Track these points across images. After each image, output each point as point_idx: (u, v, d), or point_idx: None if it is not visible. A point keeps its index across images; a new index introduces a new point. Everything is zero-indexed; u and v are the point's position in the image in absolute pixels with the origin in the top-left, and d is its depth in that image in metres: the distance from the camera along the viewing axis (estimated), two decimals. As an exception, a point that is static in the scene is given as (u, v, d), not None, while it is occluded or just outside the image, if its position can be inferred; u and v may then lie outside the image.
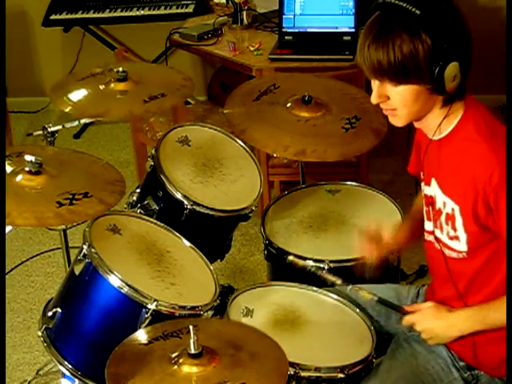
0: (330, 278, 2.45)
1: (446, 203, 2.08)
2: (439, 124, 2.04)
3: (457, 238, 2.08)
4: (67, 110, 2.75)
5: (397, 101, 2.00)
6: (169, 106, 2.89)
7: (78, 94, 2.79)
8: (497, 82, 4.05)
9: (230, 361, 1.99)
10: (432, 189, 2.13)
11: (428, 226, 2.19)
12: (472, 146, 2.00)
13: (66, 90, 2.82)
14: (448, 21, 1.93)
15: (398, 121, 2.06)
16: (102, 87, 2.81)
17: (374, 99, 2.04)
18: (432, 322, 2.14)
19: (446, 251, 2.13)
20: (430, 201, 2.15)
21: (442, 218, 2.10)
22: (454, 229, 2.07)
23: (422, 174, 2.20)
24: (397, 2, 1.93)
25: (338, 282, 2.41)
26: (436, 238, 2.16)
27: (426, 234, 2.22)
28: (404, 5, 1.91)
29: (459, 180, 2.03)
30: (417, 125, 2.12)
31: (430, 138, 2.10)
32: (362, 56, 1.98)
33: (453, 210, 2.06)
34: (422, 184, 2.19)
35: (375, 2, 1.98)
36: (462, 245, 2.08)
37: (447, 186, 2.08)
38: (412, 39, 1.90)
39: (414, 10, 1.90)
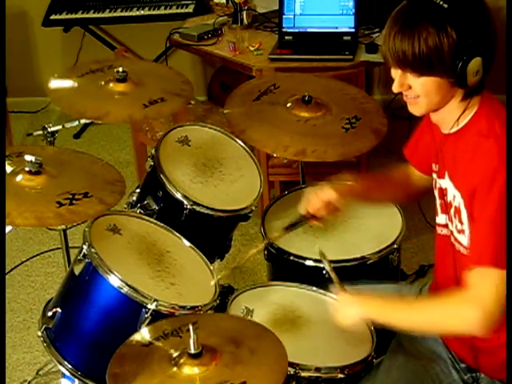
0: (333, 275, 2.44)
1: (455, 196, 2.09)
2: (457, 118, 2.05)
3: (463, 231, 2.08)
4: (66, 110, 2.76)
5: (418, 90, 2.01)
6: (168, 111, 2.89)
7: (77, 94, 2.79)
8: (497, 81, 4.05)
9: (230, 358, 1.99)
10: (445, 182, 2.13)
11: (441, 219, 2.19)
12: (482, 141, 2.01)
13: (66, 88, 2.83)
14: (474, 16, 1.95)
15: (418, 109, 2.06)
16: (101, 83, 2.81)
17: (395, 88, 2.04)
18: (350, 299, 2.17)
19: (457, 245, 2.13)
20: (443, 193, 2.15)
21: (452, 210, 2.11)
22: (461, 222, 2.08)
23: (436, 166, 2.20)
24: None
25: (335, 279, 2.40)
26: (450, 232, 2.15)
27: (438, 228, 2.22)
28: None
29: (466, 174, 2.03)
30: (433, 116, 2.12)
31: (445, 132, 2.10)
32: (386, 45, 1.98)
33: (459, 203, 2.07)
34: (436, 176, 2.19)
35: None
36: (466, 239, 2.08)
37: (457, 179, 2.08)
38: (438, 32, 1.91)
39: (441, 3, 1.92)
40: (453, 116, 2.06)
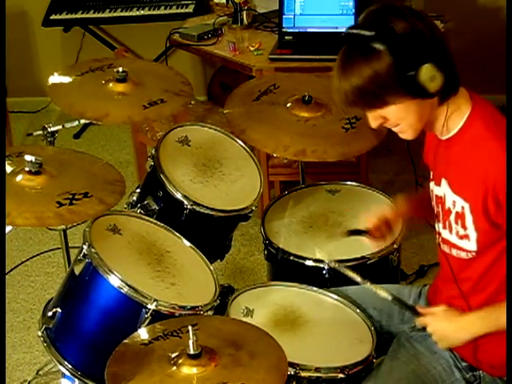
0: (350, 274, 2.43)
1: (455, 202, 2.08)
2: (443, 123, 2.04)
3: (467, 236, 2.07)
4: (66, 110, 2.76)
5: (394, 118, 2.00)
6: (168, 112, 2.89)
7: (77, 94, 2.79)
8: (497, 82, 4.05)
9: (229, 360, 1.99)
10: (442, 189, 2.13)
11: (437, 226, 2.19)
12: (482, 143, 2.00)
13: (65, 88, 2.83)
14: (403, 31, 1.89)
15: (408, 135, 2.05)
16: (101, 82, 2.81)
17: (373, 125, 2.03)
18: (443, 324, 2.13)
19: (455, 251, 2.13)
20: (440, 201, 2.15)
21: (452, 217, 2.10)
22: (464, 227, 2.07)
23: (431, 174, 2.20)
24: (350, 31, 1.93)
25: (358, 279, 2.38)
26: (443, 239, 2.16)
27: (436, 236, 2.22)
28: (356, 31, 1.91)
29: (469, 178, 2.02)
30: (427, 130, 2.11)
31: (440, 138, 2.10)
32: (336, 93, 1.97)
33: (462, 208, 2.06)
34: (432, 184, 2.19)
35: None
36: (471, 244, 2.07)
37: (457, 184, 2.07)
38: (368, 61, 1.89)
39: (365, 32, 1.89)
40: (439, 122, 2.05)
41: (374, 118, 2.02)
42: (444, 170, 2.11)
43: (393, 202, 2.38)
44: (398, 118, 1.99)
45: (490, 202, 1.99)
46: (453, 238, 2.12)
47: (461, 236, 2.09)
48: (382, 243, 2.47)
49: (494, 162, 1.97)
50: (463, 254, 2.11)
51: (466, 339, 2.11)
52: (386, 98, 1.94)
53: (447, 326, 2.12)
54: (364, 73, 1.90)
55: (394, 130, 2.06)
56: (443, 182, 2.12)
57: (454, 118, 2.04)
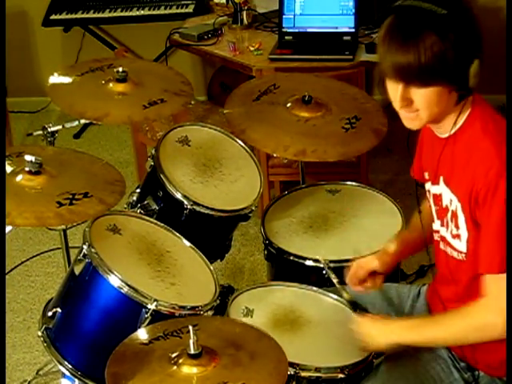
0: (332, 275, 2.46)
1: (452, 200, 2.08)
2: (455, 121, 2.04)
3: (458, 236, 2.08)
4: (66, 110, 2.76)
5: (421, 103, 1.98)
6: (168, 112, 2.89)
7: (77, 94, 2.80)
8: (497, 82, 4.05)
9: (229, 361, 1.99)
10: (440, 187, 2.13)
11: (435, 225, 2.19)
12: (477, 143, 2.00)
13: (65, 88, 2.83)
14: (470, 19, 1.93)
15: (418, 123, 2.04)
16: (101, 82, 2.81)
17: (398, 104, 2.00)
18: (373, 323, 2.17)
19: (449, 250, 2.13)
20: (438, 199, 2.15)
21: (448, 215, 2.11)
22: (457, 226, 2.08)
23: (427, 174, 2.19)
24: (420, 3, 1.92)
25: (335, 280, 2.42)
26: (441, 237, 2.16)
27: (434, 234, 2.22)
28: (428, 6, 1.91)
29: (462, 176, 2.03)
30: (432, 126, 2.11)
31: (443, 136, 2.10)
32: (388, 61, 1.95)
33: (456, 206, 2.06)
34: (429, 184, 2.19)
35: (392, 4, 1.97)
36: (462, 244, 2.08)
37: (453, 182, 2.08)
38: (441, 40, 1.89)
39: (439, 10, 1.90)
40: (450, 120, 2.05)
41: (402, 98, 1.98)
42: (441, 168, 2.11)
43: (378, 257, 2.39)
44: (426, 104, 1.98)
45: (473, 202, 2.00)
46: (448, 237, 2.13)
47: (453, 235, 2.10)
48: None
49: (483, 161, 1.97)
50: (455, 254, 2.12)
51: (390, 342, 2.13)
52: (437, 78, 1.93)
53: (377, 326, 2.17)
54: (435, 47, 1.89)
55: (409, 115, 2.02)
56: (441, 180, 2.12)
57: (460, 117, 2.04)
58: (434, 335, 2.09)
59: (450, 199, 2.09)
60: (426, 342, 2.13)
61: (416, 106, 2.00)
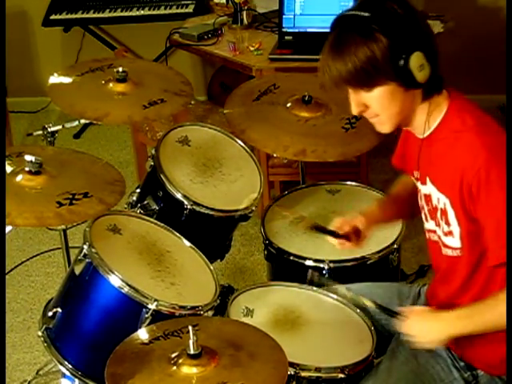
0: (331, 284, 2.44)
1: (439, 199, 2.09)
2: (425, 121, 2.05)
3: (451, 233, 2.08)
4: (66, 110, 2.77)
5: (375, 106, 2.01)
6: (168, 112, 2.89)
7: (77, 94, 2.80)
8: (497, 82, 4.05)
9: (229, 361, 1.99)
10: (427, 187, 2.14)
11: (429, 225, 2.19)
12: (458, 137, 2.01)
13: (65, 88, 2.83)
14: (398, 15, 1.93)
15: (384, 127, 2.06)
16: (101, 82, 2.81)
17: (353, 110, 2.04)
18: (423, 321, 2.11)
19: (443, 249, 2.13)
20: (428, 199, 2.15)
21: (438, 214, 2.11)
22: (448, 223, 2.08)
23: (417, 173, 2.20)
24: (347, 12, 1.96)
25: (340, 288, 2.39)
26: (438, 237, 2.16)
27: (427, 234, 2.22)
28: (353, 12, 1.94)
29: (448, 173, 2.03)
30: (404, 126, 2.12)
31: (420, 137, 2.10)
32: (324, 72, 1.99)
33: (445, 204, 2.07)
34: (419, 184, 2.19)
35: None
36: (456, 241, 2.08)
37: (439, 181, 2.08)
38: (366, 41, 1.91)
39: (362, 13, 1.92)
40: (421, 119, 2.06)
41: (356, 104, 2.03)
42: (427, 168, 2.12)
43: (362, 214, 2.37)
44: (380, 105, 2.00)
45: (465, 194, 2.00)
46: (442, 235, 2.13)
47: (445, 233, 2.10)
48: (346, 247, 2.38)
49: (468, 151, 1.98)
50: (450, 252, 2.12)
51: (443, 338, 2.08)
52: (376, 79, 1.95)
53: (428, 324, 2.10)
54: (361, 52, 1.92)
55: (372, 120, 2.07)
56: (428, 180, 2.13)
57: (434, 116, 2.05)
58: (484, 321, 2.03)
59: (437, 198, 2.10)
60: (477, 330, 2.06)
61: (373, 110, 2.02)
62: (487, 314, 2.03)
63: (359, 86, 1.98)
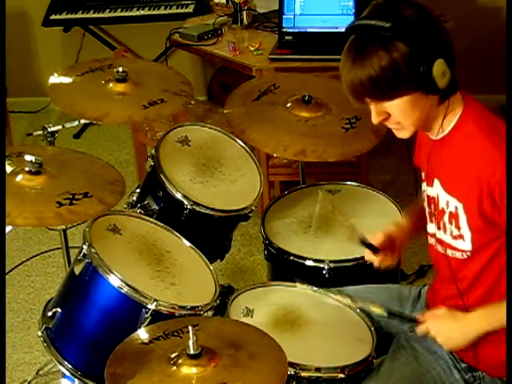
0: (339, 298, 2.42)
1: (449, 202, 2.08)
2: (441, 123, 2.05)
3: (461, 236, 2.08)
4: (66, 110, 2.77)
5: (397, 114, 2.00)
6: (168, 112, 2.89)
7: (77, 94, 2.80)
8: (497, 82, 4.05)
9: (229, 361, 1.99)
10: (434, 189, 2.13)
11: (430, 228, 2.19)
12: (473, 142, 2.00)
13: (65, 88, 2.83)
14: (418, 22, 1.92)
15: (404, 133, 2.06)
16: (101, 82, 2.81)
17: (374, 119, 2.03)
18: (447, 324, 2.11)
19: (449, 251, 2.13)
20: (432, 202, 2.15)
21: (446, 217, 2.10)
22: (458, 227, 2.07)
23: (423, 174, 2.20)
24: (366, 21, 1.94)
25: (345, 301, 2.36)
26: (438, 240, 2.15)
27: (428, 237, 2.21)
28: (373, 22, 1.92)
29: (462, 177, 2.03)
30: (421, 130, 2.12)
31: (433, 138, 2.10)
32: (346, 83, 1.97)
33: (456, 208, 2.06)
34: (424, 185, 2.19)
35: (354, 22, 1.98)
36: (466, 244, 2.07)
37: (450, 184, 2.08)
38: (388, 51, 1.90)
39: (383, 24, 1.90)
40: (436, 121, 2.05)
41: (377, 113, 2.02)
42: (436, 170, 2.11)
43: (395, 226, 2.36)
44: (402, 113, 1.99)
45: (486, 201, 1.99)
46: (447, 239, 2.12)
47: (455, 236, 2.09)
48: (384, 262, 2.34)
49: (486, 160, 1.97)
50: (458, 254, 2.11)
51: (471, 339, 2.09)
52: (398, 88, 1.94)
53: (453, 326, 2.10)
54: (382, 61, 1.90)
55: (393, 127, 2.06)
56: (436, 182, 2.12)
57: (449, 118, 2.04)
58: (504, 317, 2.01)
59: (446, 201, 2.09)
60: (499, 326, 2.05)
61: (394, 118, 2.01)
62: (504, 312, 2.01)
63: (381, 95, 1.96)
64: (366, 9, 1.98)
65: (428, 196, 2.17)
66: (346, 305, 2.41)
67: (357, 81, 1.94)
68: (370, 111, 2.03)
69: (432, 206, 2.15)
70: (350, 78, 1.95)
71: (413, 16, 1.92)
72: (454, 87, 2.01)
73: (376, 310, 2.24)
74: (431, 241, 2.20)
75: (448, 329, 2.11)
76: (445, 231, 2.12)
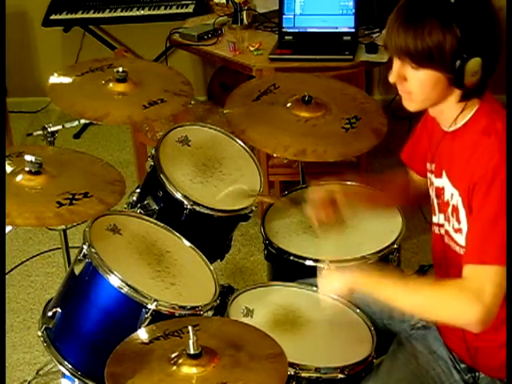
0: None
1: (453, 195, 2.08)
2: (455, 118, 2.05)
3: (460, 230, 2.08)
4: (66, 110, 2.77)
5: (414, 84, 2.01)
6: (168, 112, 2.89)
7: (77, 94, 2.80)
8: (497, 82, 4.05)
9: (229, 361, 1.98)
10: (442, 180, 2.13)
11: (438, 218, 2.18)
12: (482, 139, 2.00)
13: (65, 88, 2.83)
14: (480, 15, 1.94)
15: (412, 105, 2.06)
16: (101, 82, 2.81)
17: (392, 78, 2.03)
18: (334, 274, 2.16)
19: (452, 244, 2.13)
20: (440, 193, 2.15)
21: (449, 209, 2.11)
22: (458, 221, 2.07)
23: (432, 165, 2.19)
24: None
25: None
26: (446, 231, 2.15)
27: (433, 227, 2.21)
28: None
29: (465, 172, 2.03)
30: (431, 112, 2.11)
31: (445, 129, 2.10)
32: (389, 36, 1.98)
33: (457, 201, 2.06)
34: (432, 176, 2.19)
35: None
36: (463, 238, 2.07)
37: (455, 177, 2.08)
38: (442, 28, 1.91)
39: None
40: (451, 114, 2.05)
41: (398, 73, 2.01)
42: (445, 162, 2.11)
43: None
44: (419, 86, 2.00)
45: (470, 192, 2.00)
46: (450, 231, 2.13)
47: (455, 229, 2.10)
48: (321, 221, 2.40)
49: (485, 155, 1.97)
50: (457, 249, 2.11)
51: (350, 285, 2.08)
52: (433, 63, 1.95)
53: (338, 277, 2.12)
54: (434, 36, 1.91)
55: (404, 95, 2.06)
56: (444, 174, 2.12)
57: (464, 113, 2.05)
58: (408, 298, 2.00)
59: (451, 193, 2.09)
60: (396, 302, 2.04)
61: (409, 86, 2.01)
62: (408, 296, 2.00)
63: (415, 62, 1.96)
64: None
65: (436, 187, 2.17)
66: (345, 304, 2.42)
67: (402, 41, 1.94)
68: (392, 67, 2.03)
69: (440, 198, 2.15)
70: (396, 35, 1.95)
71: (478, 3, 1.94)
72: (479, 91, 2.02)
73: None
74: (440, 231, 2.18)
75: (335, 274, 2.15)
76: (449, 223, 2.13)
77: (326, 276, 2.17)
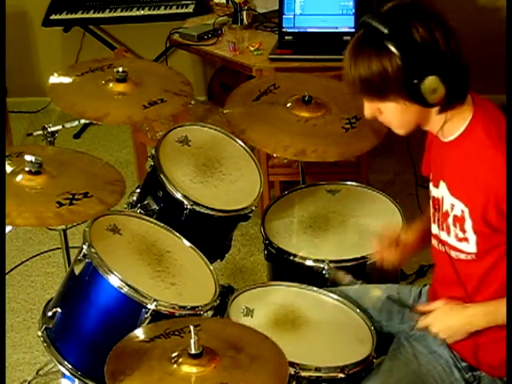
0: (341, 275, 2.45)
1: (454, 205, 2.08)
2: (440, 128, 2.04)
3: (466, 239, 2.07)
4: (66, 110, 2.77)
5: (389, 115, 2.02)
6: (168, 112, 2.89)
7: (77, 94, 2.80)
8: (497, 82, 4.05)
9: (229, 362, 1.99)
10: (440, 190, 2.13)
11: (434, 229, 2.19)
12: (482, 149, 2.00)
13: (65, 88, 2.83)
14: (418, 38, 1.90)
15: (398, 131, 2.08)
16: (101, 82, 2.82)
17: (366, 114, 2.05)
18: (448, 320, 2.12)
19: (453, 253, 2.12)
20: (437, 203, 2.15)
21: (450, 220, 2.10)
22: (463, 230, 2.07)
23: (431, 175, 2.19)
24: (369, 20, 1.94)
25: (347, 279, 2.40)
26: (441, 241, 2.15)
27: (432, 238, 2.21)
28: (374, 23, 1.92)
29: (469, 183, 2.02)
30: (423, 128, 2.11)
31: (442, 140, 2.10)
32: (343, 75, 2.00)
33: (462, 211, 2.05)
34: (430, 185, 2.19)
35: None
36: (471, 246, 2.07)
37: (456, 187, 2.07)
38: (380, 57, 1.91)
39: (382, 28, 1.90)
40: (439, 126, 2.05)
41: (370, 109, 2.04)
42: (443, 172, 2.11)
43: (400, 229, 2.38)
44: (393, 115, 2.01)
45: (492, 211, 1.99)
46: (451, 240, 2.12)
47: (460, 239, 2.09)
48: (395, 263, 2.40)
49: (494, 171, 1.97)
50: (463, 256, 2.11)
51: (470, 331, 2.10)
52: (387, 94, 1.96)
53: (452, 321, 2.11)
54: (373, 66, 1.92)
55: (386, 124, 2.07)
56: (441, 184, 2.12)
57: (456, 122, 2.04)
58: (503, 315, 2.02)
59: (451, 204, 2.09)
60: (497, 323, 2.07)
61: (385, 117, 2.03)
62: (503, 310, 2.01)
63: (371, 96, 1.99)
64: (387, 5, 1.97)
65: (433, 197, 2.17)
66: (345, 304, 2.42)
67: (351, 77, 1.97)
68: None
69: (437, 208, 2.15)
70: (346, 71, 1.98)
71: (417, 30, 1.91)
72: (459, 98, 2.00)
73: (375, 292, 2.25)
74: (434, 241, 2.20)
75: (449, 325, 2.11)
76: (448, 233, 2.12)
77: (445, 324, 2.13)
